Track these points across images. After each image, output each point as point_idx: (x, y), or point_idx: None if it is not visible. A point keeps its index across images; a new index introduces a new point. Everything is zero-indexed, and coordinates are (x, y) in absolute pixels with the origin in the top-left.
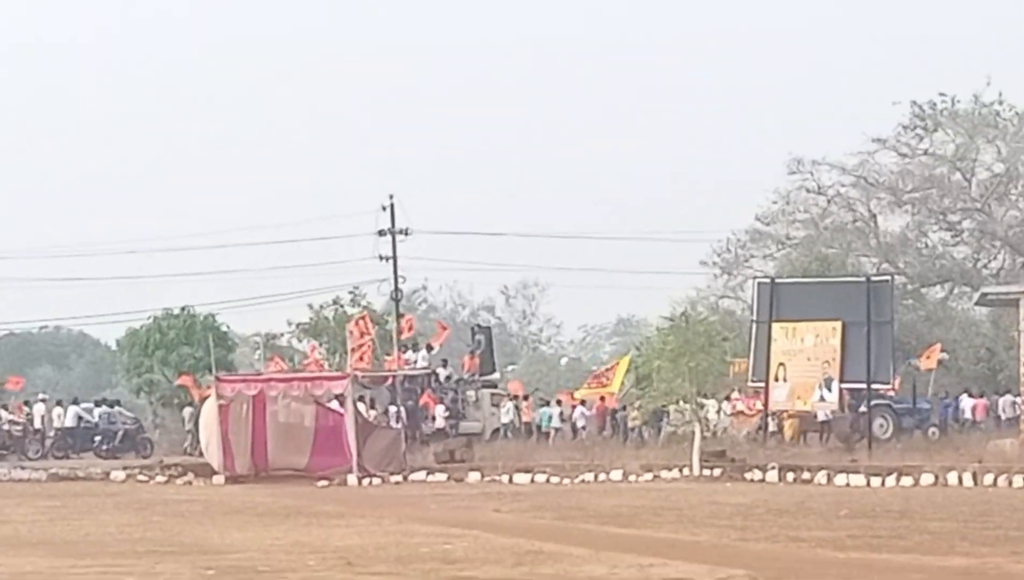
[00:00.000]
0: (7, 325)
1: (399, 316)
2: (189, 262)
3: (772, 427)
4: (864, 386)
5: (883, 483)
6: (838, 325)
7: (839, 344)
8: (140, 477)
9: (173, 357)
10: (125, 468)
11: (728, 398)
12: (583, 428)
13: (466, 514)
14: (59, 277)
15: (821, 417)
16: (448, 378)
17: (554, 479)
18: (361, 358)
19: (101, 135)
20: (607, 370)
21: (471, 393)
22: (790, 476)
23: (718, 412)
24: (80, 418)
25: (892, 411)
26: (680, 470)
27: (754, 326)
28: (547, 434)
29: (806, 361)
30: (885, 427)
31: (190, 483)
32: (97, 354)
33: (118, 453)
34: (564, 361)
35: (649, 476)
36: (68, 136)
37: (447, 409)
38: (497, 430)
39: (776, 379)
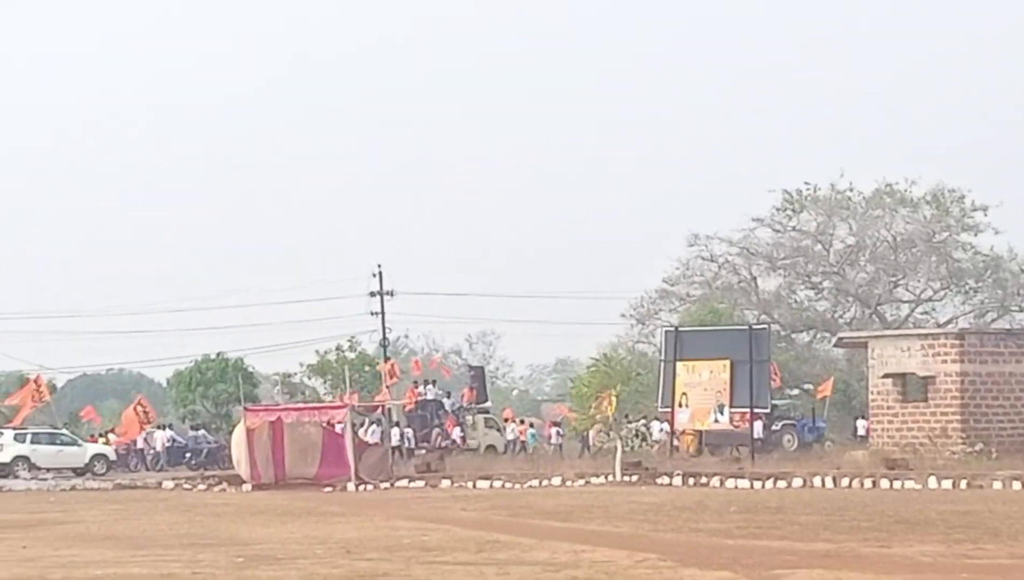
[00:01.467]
0: (81, 367)
1: (386, 359)
2: (221, 316)
3: (676, 443)
4: (749, 409)
5: (763, 485)
6: (727, 363)
7: (729, 378)
8: (185, 486)
9: (211, 392)
10: (174, 479)
11: (658, 419)
12: (560, 445)
13: (439, 512)
14: (122, 330)
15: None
16: (453, 405)
17: (508, 484)
18: (387, 389)
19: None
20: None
21: (469, 418)
22: (691, 481)
23: (661, 431)
24: (173, 440)
25: (796, 429)
26: (606, 477)
27: (662, 364)
28: (524, 448)
29: (703, 391)
30: (792, 441)
31: (224, 490)
32: (152, 390)
33: (205, 467)
34: (515, 393)
35: (582, 482)
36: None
37: (461, 430)
38: (492, 446)
39: (680, 405)
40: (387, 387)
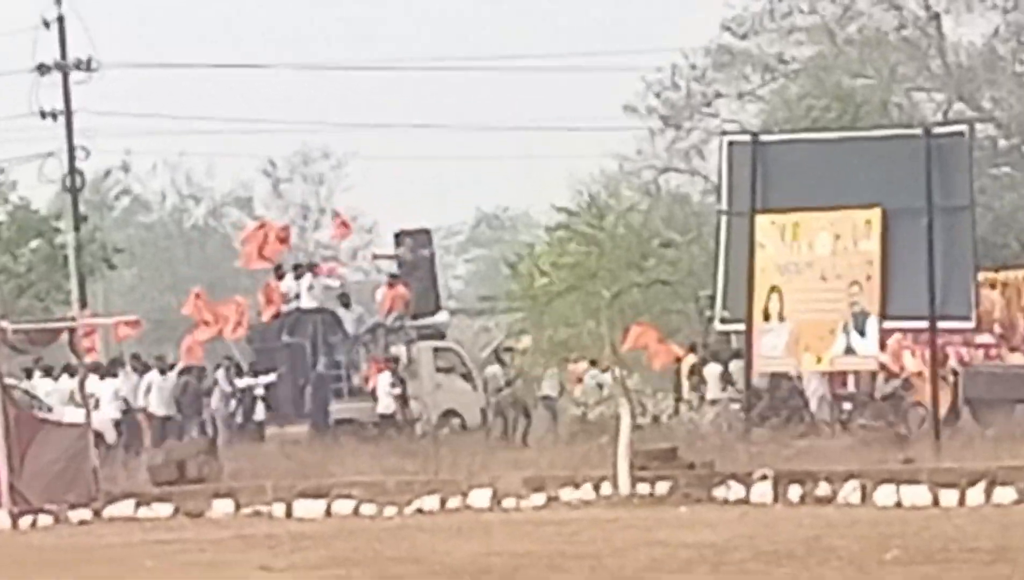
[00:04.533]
0: None
1: (80, 219)
2: None
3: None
4: (929, 326)
5: (962, 500)
6: (876, 215)
7: (878, 249)
8: None
9: None
10: None
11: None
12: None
13: (210, 576)
14: None
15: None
16: (359, 323)
17: (367, 508)
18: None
19: None
20: None
21: (400, 349)
22: (795, 492)
23: (725, 379)
24: None
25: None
26: (596, 486)
27: (724, 221)
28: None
29: (819, 282)
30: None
31: None
32: None
33: None
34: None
35: (540, 499)
36: None
37: (393, 381)
38: (453, 413)
39: (766, 317)
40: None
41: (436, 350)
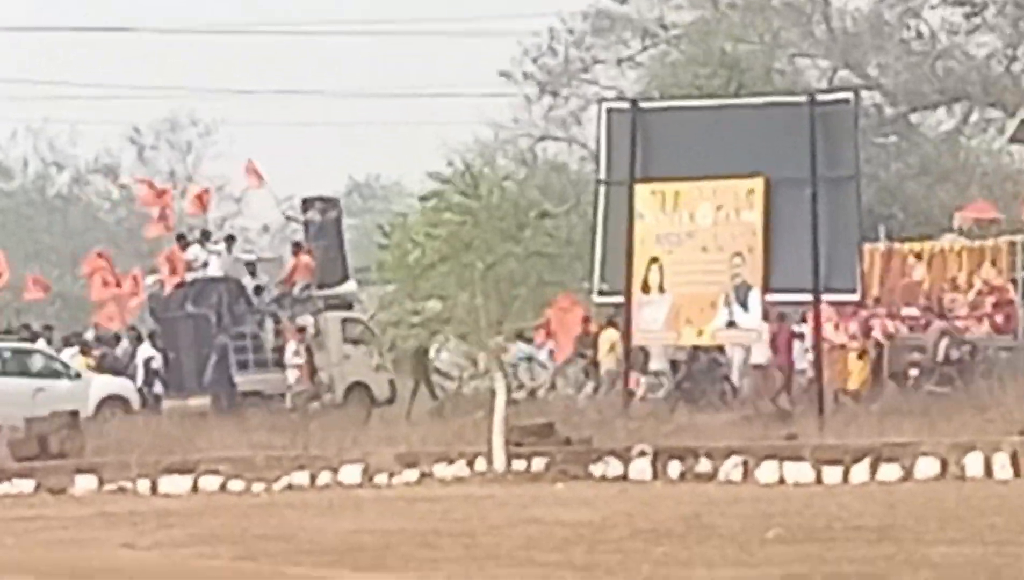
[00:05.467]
0: None
1: None
2: None
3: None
4: (807, 297)
5: (846, 478)
6: (759, 185)
7: (761, 220)
8: None
9: None
10: None
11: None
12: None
13: (72, 554)
14: None
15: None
16: (259, 291)
17: (235, 484)
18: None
19: None
20: None
21: (307, 319)
22: (674, 468)
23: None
24: None
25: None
26: (470, 462)
27: (603, 191)
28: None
29: (701, 253)
30: (929, 371)
31: None
32: None
33: None
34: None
35: (413, 475)
36: None
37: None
38: (361, 386)
39: (646, 289)
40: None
41: (344, 321)
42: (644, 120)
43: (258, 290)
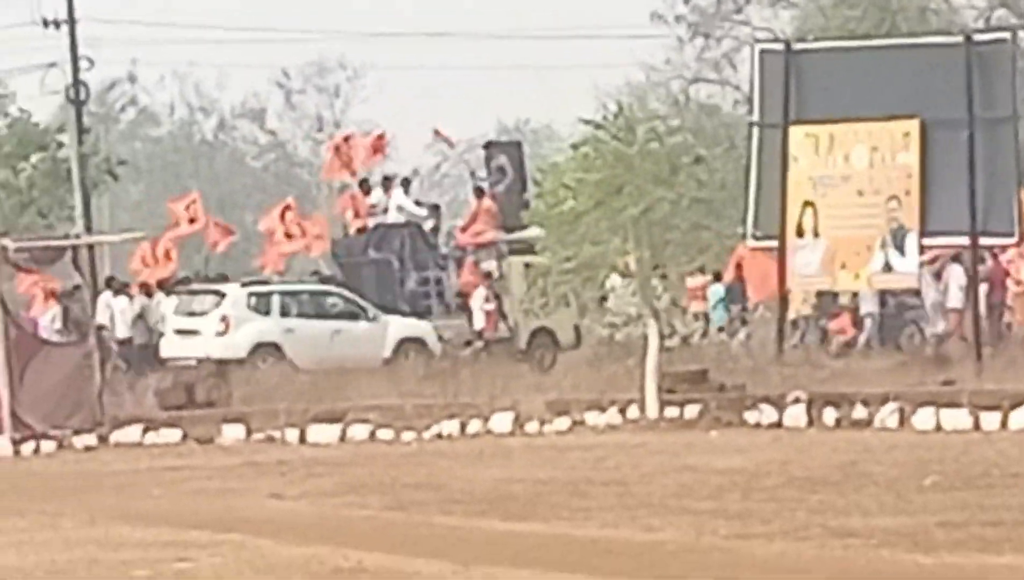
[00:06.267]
0: None
1: (84, 131)
2: None
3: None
4: (964, 240)
5: (1004, 423)
6: (914, 126)
7: (917, 163)
8: None
9: None
10: None
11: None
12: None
13: (219, 504)
14: None
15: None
16: (435, 233)
17: (384, 433)
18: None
19: None
20: None
21: (491, 263)
22: (830, 415)
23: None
24: None
25: None
26: (622, 410)
27: (756, 133)
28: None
29: (856, 197)
30: None
31: None
32: None
33: None
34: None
35: (564, 423)
36: None
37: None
38: (543, 331)
39: (800, 233)
40: (361, 191)
41: (527, 265)
42: (797, 62)
43: (435, 232)
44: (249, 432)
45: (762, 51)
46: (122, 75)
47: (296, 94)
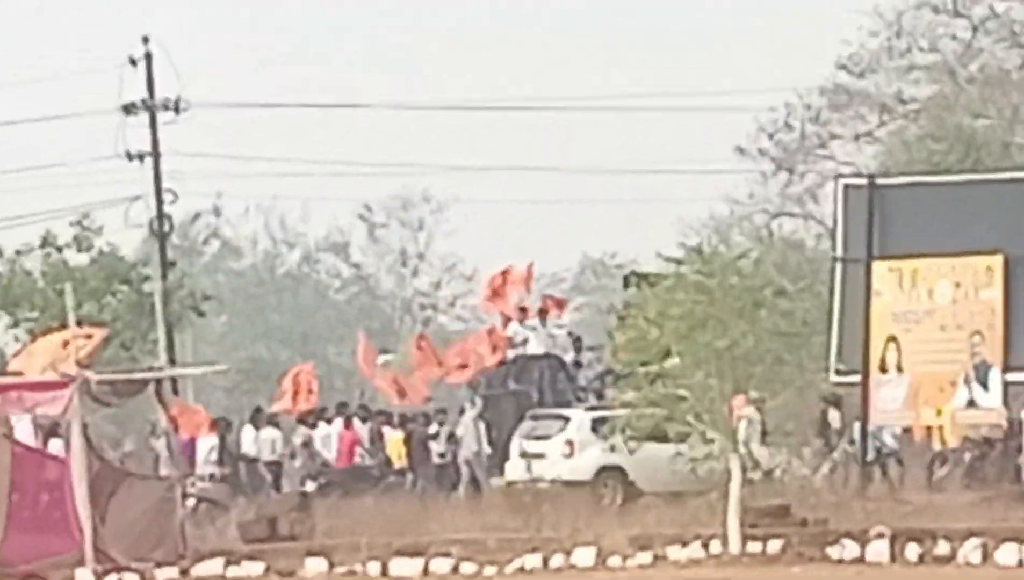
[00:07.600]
0: None
1: (168, 265)
2: None
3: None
4: None
5: None
6: (998, 262)
7: (1000, 297)
8: None
9: None
10: None
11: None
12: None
13: None
14: None
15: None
16: (579, 367)
17: (467, 567)
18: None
19: None
20: None
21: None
22: (912, 550)
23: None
24: None
25: None
26: (705, 544)
27: (839, 268)
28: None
29: (939, 332)
30: None
31: None
32: None
33: None
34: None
35: (647, 557)
36: None
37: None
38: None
39: (883, 368)
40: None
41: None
42: (881, 196)
43: (577, 365)
44: (331, 565)
45: (845, 186)
46: (206, 208)
47: (379, 228)
